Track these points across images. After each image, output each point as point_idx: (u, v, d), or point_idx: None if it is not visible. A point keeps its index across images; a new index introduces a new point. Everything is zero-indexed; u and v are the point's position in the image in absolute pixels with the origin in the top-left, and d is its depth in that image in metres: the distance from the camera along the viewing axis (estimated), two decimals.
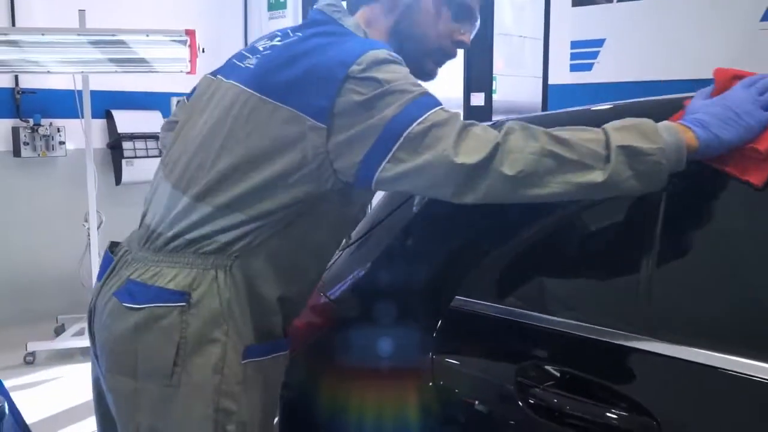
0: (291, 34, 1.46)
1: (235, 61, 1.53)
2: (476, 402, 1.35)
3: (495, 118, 5.21)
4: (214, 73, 1.59)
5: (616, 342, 1.22)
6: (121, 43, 4.54)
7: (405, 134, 1.26)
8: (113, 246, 1.57)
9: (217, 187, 1.38)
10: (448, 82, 5.40)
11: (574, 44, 4.60)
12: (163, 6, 5.66)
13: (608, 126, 1.25)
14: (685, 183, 1.25)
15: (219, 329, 1.35)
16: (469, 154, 1.23)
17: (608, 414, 1.18)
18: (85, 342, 4.72)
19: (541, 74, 4.91)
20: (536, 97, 5.01)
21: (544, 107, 4.86)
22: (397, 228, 1.62)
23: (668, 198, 1.27)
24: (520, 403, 1.26)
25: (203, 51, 4.67)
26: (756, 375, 1.07)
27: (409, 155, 1.27)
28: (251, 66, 1.45)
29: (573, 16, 4.58)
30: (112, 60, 4.66)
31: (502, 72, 5.45)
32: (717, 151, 1.23)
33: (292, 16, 6.21)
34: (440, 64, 1.59)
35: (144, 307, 1.36)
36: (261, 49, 1.48)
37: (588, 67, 4.54)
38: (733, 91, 1.29)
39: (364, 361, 1.56)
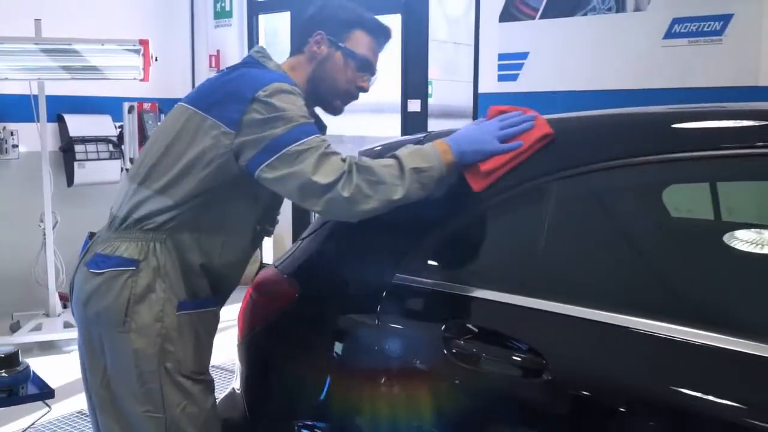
0: (226, 70, 1.99)
1: (192, 91, 2.06)
2: (414, 352, 1.73)
3: (430, 121, 5.62)
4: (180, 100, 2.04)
5: (517, 303, 1.61)
6: (76, 52, 4.77)
7: (283, 151, 1.75)
8: (92, 234, 2.03)
9: (154, 172, 1.88)
10: (386, 90, 5.77)
11: (501, 56, 5.04)
12: (113, 15, 5.87)
13: (399, 153, 1.75)
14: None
15: (158, 287, 1.83)
16: (323, 176, 1.72)
17: (512, 356, 1.57)
18: (41, 337, 4.94)
19: (467, 80, 5.35)
20: (469, 101, 5.43)
21: (474, 114, 5.27)
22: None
23: (556, 200, 1.67)
24: (445, 351, 1.65)
25: (156, 59, 4.94)
26: (616, 323, 1.48)
27: (282, 166, 1.74)
28: (195, 91, 2.01)
29: (500, 31, 5.02)
30: (65, 68, 4.88)
31: (437, 77, 5.83)
32: (468, 161, 1.73)
33: (237, 26, 6.49)
34: (345, 103, 2.07)
35: (105, 271, 1.86)
36: (205, 81, 2.02)
37: (514, 78, 4.98)
38: (487, 122, 1.79)
39: (321, 328, 1.93)
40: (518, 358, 1.57)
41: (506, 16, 4.97)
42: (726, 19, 4.18)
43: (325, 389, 1.89)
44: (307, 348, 1.96)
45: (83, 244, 2.01)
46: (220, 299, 2.00)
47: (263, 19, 6.60)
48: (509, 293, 1.64)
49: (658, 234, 1.79)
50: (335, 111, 2.07)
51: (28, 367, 1.71)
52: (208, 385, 1.95)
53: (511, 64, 5.00)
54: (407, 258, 1.81)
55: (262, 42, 6.59)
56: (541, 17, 4.83)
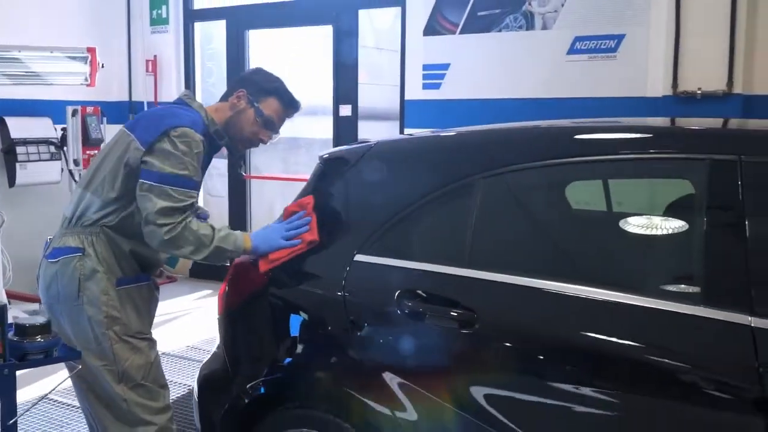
0: (161, 107, 2.65)
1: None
2: (372, 314, 2.19)
3: (360, 124, 6.06)
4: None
5: (454, 273, 2.10)
6: (18, 59, 5.00)
7: (158, 185, 2.29)
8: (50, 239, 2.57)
9: (93, 179, 2.42)
10: (320, 95, 6.19)
11: (426, 66, 5.55)
12: (51, 22, 6.06)
13: (218, 231, 2.36)
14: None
15: (100, 269, 2.37)
16: (161, 218, 2.27)
17: (450, 313, 2.06)
18: None
19: (396, 84, 5.82)
20: (395, 104, 5.89)
21: (401, 118, 5.77)
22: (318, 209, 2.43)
23: (483, 199, 2.16)
24: (398, 311, 2.12)
25: (102, 66, 5.22)
26: (530, 285, 1.98)
27: (150, 191, 2.29)
28: (134, 118, 2.64)
29: (424, 43, 5.53)
30: (7, 75, 5.09)
31: (365, 81, 6.27)
32: (261, 253, 2.37)
33: (174, 32, 6.77)
34: (246, 148, 2.70)
35: (59, 259, 2.39)
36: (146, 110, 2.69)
37: (437, 86, 5.51)
38: (278, 225, 2.41)
39: (293, 301, 2.37)
40: (455, 314, 2.06)
41: (430, 30, 5.50)
42: (619, 38, 4.82)
43: (296, 347, 2.34)
44: (282, 316, 2.40)
45: (45, 245, 2.54)
46: (148, 276, 2.53)
47: (199, 27, 6.90)
48: (448, 265, 2.13)
49: (561, 219, 2.32)
50: (236, 151, 2.69)
51: (57, 334, 2.08)
52: (151, 342, 2.49)
53: (434, 74, 5.52)
54: (366, 242, 2.27)
55: (197, 48, 6.90)
56: (461, 32, 5.37)
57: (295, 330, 2.38)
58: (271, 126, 2.59)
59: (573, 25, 4.96)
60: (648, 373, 1.83)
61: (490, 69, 5.29)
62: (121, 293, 2.42)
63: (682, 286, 1.93)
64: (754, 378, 1.69)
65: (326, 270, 2.33)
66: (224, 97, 2.61)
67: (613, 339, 1.89)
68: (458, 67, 5.43)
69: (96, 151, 5.63)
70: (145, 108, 6.77)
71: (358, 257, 2.27)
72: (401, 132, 5.68)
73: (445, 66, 5.48)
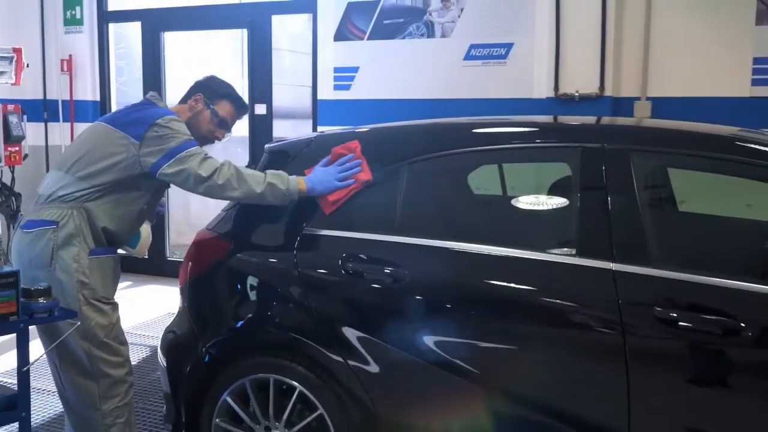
0: (133, 105, 2.93)
1: (105, 115, 3.05)
2: (320, 275, 2.68)
3: (275, 122, 6.48)
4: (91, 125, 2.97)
5: (387, 240, 2.62)
6: None
7: (177, 156, 2.68)
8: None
9: (76, 165, 2.75)
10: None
11: (336, 69, 6.05)
12: None
13: (269, 172, 2.72)
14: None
15: (75, 239, 2.70)
16: (204, 171, 2.67)
17: (384, 270, 2.58)
18: None
19: (309, 85, 6.28)
20: (307, 103, 6.34)
21: (314, 117, 6.24)
22: None
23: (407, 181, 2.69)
24: (343, 271, 2.62)
25: (27, 66, 5.42)
26: (445, 246, 2.53)
27: (177, 164, 2.68)
28: (110, 114, 2.99)
29: (335, 48, 6.03)
30: None
31: (279, 82, 6.71)
32: (318, 194, 2.71)
33: (88, 33, 6.97)
34: (203, 144, 2.94)
35: (33, 230, 2.72)
36: (118, 109, 3.00)
37: (347, 87, 6.02)
38: (330, 167, 2.74)
39: (250, 268, 2.83)
40: (388, 271, 2.58)
41: (340, 36, 6.00)
42: (509, 46, 5.48)
43: (255, 306, 2.80)
44: (242, 281, 2.85)
45: (18, 219, 2.92)
46: (115, 249, 2.91)
47: (113, 28, 7.12)
48: (382, 234, 2.65)
49: (469, 195, 2.89)
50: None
51: (56, 297, 2.46)
52: (114, 306, 2.85)
53: (344, 76, 6.03)
54: (312, 217, 2.76)
55: (112, 48, 7.12)
56: (369, 38, 5.91)
57: (253, 292, 2.84)
58: (225, 125, 3.01)
59: (469, 34, 5.59)
60: (539, 308, 2.42)
61: (395, 72, 5.85)
62: (92, 261, 2.75)
63: (563, 243, 2.53)
64: (615, 306, 2.29)
65: (279, 241, 2.81)
66: (183, 100, 3.01)
67: (512, 284, 2.46)
68: (366, 70, 5.96)
69: (17, 148, 5.84)
70: (60, 106, 6.97)
71: (306, 230, 2.76)
72: (314, 130, 6.15)
73: (355, 69, 5.99)
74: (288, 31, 6.99)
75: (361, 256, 2.65)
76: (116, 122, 2.81)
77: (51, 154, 7.02)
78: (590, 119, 3.28)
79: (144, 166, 2.72)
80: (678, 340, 2.23)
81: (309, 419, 2.68)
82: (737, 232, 3.15)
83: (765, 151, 2.43)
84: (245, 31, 6.52)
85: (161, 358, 3.06)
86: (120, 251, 2.94)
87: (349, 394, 2.62)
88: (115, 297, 2.89)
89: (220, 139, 3.05)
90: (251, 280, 2.85)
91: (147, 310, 5.82)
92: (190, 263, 2.98)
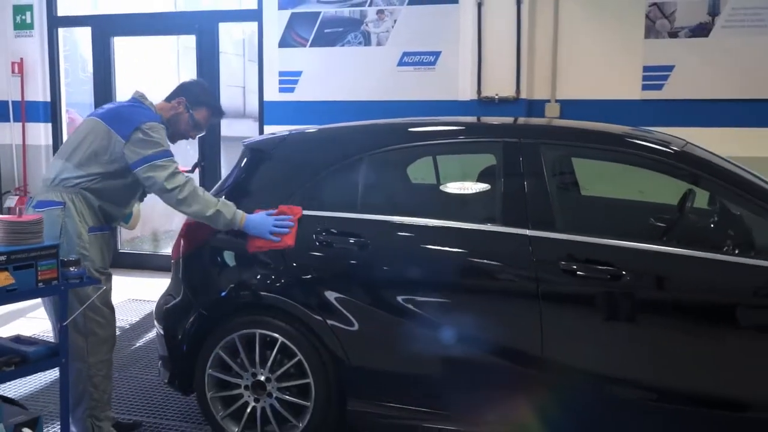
0: (123, 103, 3.46)
1: (97, 110, 3.47)
2: (297, 245, 3.30)
3: (223, 121, 7.00)
4: (87, 115, 3.47)
5: (353, 217, 3.27)
6: None
7: (151, 162, 3.20)
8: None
9: (74, 154, 3.27)
10: None
11: (281, 73, 6.64)
12: None
13: (221, 201, 3.27)
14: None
15: (77, 219, 3.20)
16: (168, 184, 3.19)
17: (350, 240, 3.23)
18: None
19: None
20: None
21: (261, 117, 6.80)
22: (238, 181, 3.49)
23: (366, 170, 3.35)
24: (317, 243, 3.25)
25: None
26: (396, 221, 3.20)
27: (149, 171, 3.19)
28: (102, 111, 3.41)
29: (279, 54, 6.61)
30: None
31: (227, 83, 7.24)
32: (249, 232, 3.28)
33: (39, 37, 7.31)
34: (179, 139, 3.53)
35: (44, 210, 3.19)
36: (109, 106, 3.46)
37: (291, 90, 6.61)
38: (269, 218, 3.29)
39: (238, 243, 3.42)
40: (353, 240, 3.23)
41: (284, 43, 6.58)
42: (437, 54, 6.19)
43: (242, 274, 3.40)
44: (229, 254, 3.44)
45: (28, 201, 3.44)
46: (110, 226, 3.44)
47: (63, 32, 7.48)
48: (347, 212, 3.30)
49: (415, 179, 3.56)
50: (172, 141, 3.50)
51: (84, 266, 2.99)
52: (108, 275, 3.38)
53: (289, 79, 6.62)
54: (288, 199, 3.38)
55: (61, 52, 7.48)
56: (311, 45, 6.52)
57: (240, 262, 3.43)
58: (199, 128, 3.57)
59: (401, 43, 6.28)
60: (474, 265, 3.12)
61: (335, 76, 6.48)
62: (91, 237, 3.26)
63: (491, 216, 3.22)
64: (531, 265, 3.01)
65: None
66: (168, 99, 3.53)
67: (452, 248, 3.15)
68: (309, 74, 6.57)
69: None
70: (10, 106, 7.30)
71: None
72: (261, 129, 6.72)
73: (298, 73, 6.59)
74: (233, 40, 7.51)
75: (332, 230, 3.29)
76: (107, 119, 3.31)
77: (1, 153, 7.36)
78: (509, 119, 4.02)
79: (128, 162, 3.25)
80: (577, 285, 2.96)
81: (289, 365, 3.30)
82: (622, 209, 3.96)
83: (648, 145, 3.21)
84: (194, 37, 6.98)
85: (157, 323, 3.61)
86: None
87: (322, 342, 3.25)
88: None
89: (193, 138, 3.62)
90: (238, 253, 3.44)
91: None
92: (182, 241, 3.55)
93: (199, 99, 3.53)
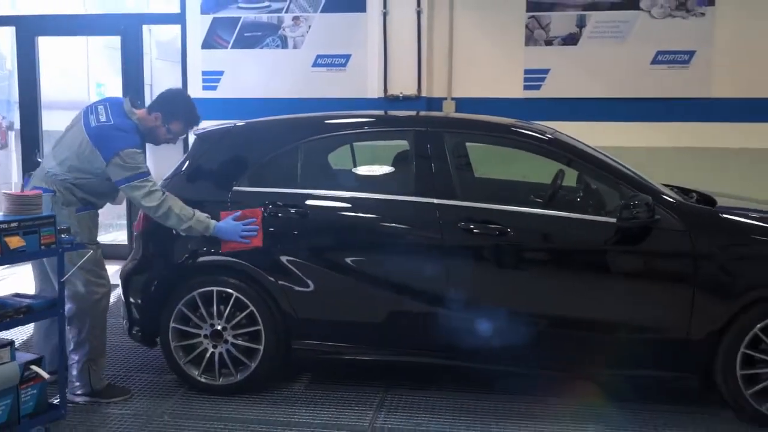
0: (109, 117, 3.87)
1: (89, 112, 3.95)
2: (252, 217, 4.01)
3: None
4: (83, 109, 3.99)
5: (295, 192, 4.01)
6: None
7: (130, 183, 3.77)
8: (29, 175, 3.99)
9: (57, 154, 3.87)
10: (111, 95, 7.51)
11: (204, 73, 7.23)
12: None
13: (197, 213, 3.87)
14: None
15: (66, 203, 3.80)
16: (146, 201, 3.80)
17: (292, 210, 3.97)
18: None
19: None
20: None
21: None
22: (192, 166, 4.17)
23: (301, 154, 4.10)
24: (265, 214, 3.97)
25: None
26: (330, 196, 3.97)
27: (129, 190, 3.79)
28: (93, 124, 3.86)
29: (202, 55, 7.21)
30: None
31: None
32: (221, 237, 3.94)
33: None
34: (157, 144, 4.12)
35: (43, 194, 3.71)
36: (100, 117, 3.89)
37: (214, 88, 7.22)
38: (238, 223, 3.93)
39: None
40: (293, 210, 3.96)
41: (207, 45, 7.18)
42: (347, 57, 6.96)
43: (199, 242, 4.06)
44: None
45: (25, 181, 3.96)
46: (95, 205, 3.97)
47: None
48: (289, 188, 4.03)
49: (344, 161, 4.34)
50: (156, 144, 4.13)
51: (74, 233, 3.58)
52: (98, 245, 3.95)
53: (212, 78, 7.22)
54: (239, 178, 4.08)
55: None
56: (232, 47, 7.15)
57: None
58: (176, 137, 4.12)
59: (315, 46, 7.01)
60: (391, 229, 3.92)
61: (255, 76, 7.13)
62: (79, 217, 3.86)
63: (407, 188, 4.03)
64: (438, 228, 3.84)
65: (216, 196, 4.09)
66: (149, 109, 3.99)
67: (375, 215, 3.94)
68: (230, 74, 7.19)
69: None
70: None
71: (235, 188, 4.07)
72: None
73: (220, 73, 7.21)
74: (157, 42, 8.01)
75: (278, 203, 4.01)
76: (93, 137, 3.80)
77: None
78: (412, 112, 4.87)
79: (110, 177, 3.82)
80: (473, 240, 3.82)
81: (242, 315, 4.00)
82: (508, 185, 4.87)
83: (528, 133, 4.11)
84: (119, 38, 7.46)
85: (122, 286, 4.22)
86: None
87: (272, 297, 3.97)
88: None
89: (174, 143, 4.21)
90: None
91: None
92: (144, 215, 4.18)
93: (174, 114, 4.00)
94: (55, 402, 3.52)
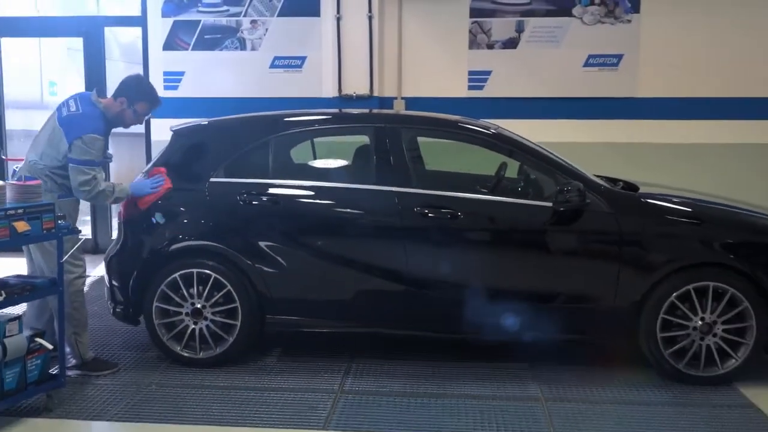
0: (78, 107, 4.32)
1: (62, 106, 4.37)
2: (226, 205, 4.41)
3: None
4: (57, 108, 4.38)
5: (264, 182, 4.45)
6: None
7: (77, 166, 4.16)
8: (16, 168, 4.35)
9: (38, 146, 4.30)
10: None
11: (165, 73, 7.56)
12: None
13: (116, 187, 4.34)
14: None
15: (49, 188, 4.17)
16: (80, 184, 4.17)
17: (265, 197, 4.40)
18: None
19: None
20: None
21: None
22: (169, 160, 4.58)
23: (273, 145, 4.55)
24: (240, 202, 4.39)
25: None
26: (305, 185, 4.43)
27: (72, 171, 4.17)
28: (64, 114, 4.31)
29: (164, 56, 7.54)
30: None
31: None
32: (135, 196, 4.46)
33: None
34: (126, 126, 4.53)
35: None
36: (71, 108, 4.32)
37: (175, 87, 7.56)
38: (147, 180, 4.51)
39: (175, 203, 4.49)
40: (266, 199, 4.40)
41: (168, 46, 7.52)
42: (303, 58, 7.40)
43: (180, 228, 4.46)
44: (171, 212, 4.49)
45: (12, 173, 4.31)
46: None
47: None
48: (261, 179, 4.47)
49: (306, 155, 4.80)
50: (125, 127, 4.53)
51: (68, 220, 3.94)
52: (75, 229, 4.24)
53: (173, 78, 7.56)
54: (215, 170, 4.49)
55: None
56: (193, 49, 7.50)
57: (179, 218, 4.49)
58: (140, 118, 4.54)
59: (273, 48, 7.42)
60: (355, 215, 4.40)
61: (215, 76, 7.50)
62: (61, 202, 4.20)
63: (366, 178, 4.50)
64: (397, 212, 4.33)
65: (194, 186, 4.50)
66: (114, 95, 4.46)
67: (339, 201, 4.41)
68: (191, 74, 7.54)
69: None
70: None
71: (212, 179, 4.49)
72: (147, 122, 7.60)
73: (181, 73, 7.55)
74: (119, 43, 8.28)
75: (252, 192, 4.44)
76: (63, 122, 4.23)
77: None
78: (368, 110, 5.35)
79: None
80: (428, 223, 4.31)
81: (220, 294, 4.41)
82: (457, 176, 5.39)
83: (474, 128, 4.63)
84: (81, 39, 7.73)
85: (107, 271, 4.58)
86: None
87: (248, 278, 4.39)
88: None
89: (141, 123, 4.61)
90: (178, 210, 4.50)
91: None
92: (126, 207, 4.55)
93: (137, 95, 4.45)
94: (55, 372, 3.88)
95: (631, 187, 4.74)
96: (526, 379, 4.32)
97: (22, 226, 3.57)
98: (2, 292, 3.56)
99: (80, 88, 8.12)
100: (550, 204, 4.31)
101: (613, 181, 4.90)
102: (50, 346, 3.74)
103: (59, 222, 3.84)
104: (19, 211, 3.58)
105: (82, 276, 4.35)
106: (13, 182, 3.76)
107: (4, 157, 7.93)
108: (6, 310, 3.72)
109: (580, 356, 4.61)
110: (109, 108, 4.41)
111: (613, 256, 4.25)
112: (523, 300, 4.35)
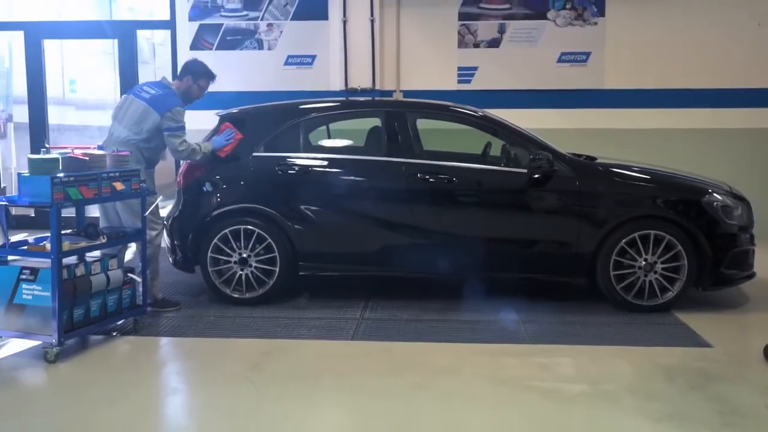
0: (157, 90, 5.42)
1: (138, 91, 5.49)
2: (266, 174, 5.50)
3: None
4: (128, 93, 5.51)
5: (299, 155, 5.54)
6: None
7: (173, 132, 5.26)
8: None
9: (123, 119, 5.32)
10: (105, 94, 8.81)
11: None
12: None
13: (202, 145, 5.48)
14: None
15: (138, 161, 5.21)
16: (180, 146, 5.29)
17: (297, 167, 5.50)
18: None
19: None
20: None
21: None
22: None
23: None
24: (279, 171, 5.48)
25: None
26: (320, 157, 5.53)
27: (170, 138, 5.27)
28: (147, 96, 5.40)
29: (190, 55, 8.56)
30: None
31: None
32: (216, 150, 5.54)
33: None
34: (192, 102, 5.61)
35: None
36: (151, 91, 5.43)
37: None
38: (221, 136, 5.61)
39: (225, 174, 5.57)
40: (298, 169, 5.49)
41: (194, 46, 8.58)
42: (314, 56, 8.48)
43: (229, 195, 5.55)
44: (220, 181, 5.57)
45: (99, 148, 5.28)
46: (152, 166, 5.42)
47: None
48: (296, 153, 5.57)
49: (324, 137, 5.91)
50: (190, 103, 5.59)
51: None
52: (156, 195, 5.32)
53: None
54: (257, 146, 5.58)
55: None
56: (216, 49, 8.57)
57: (229, 185, 5.57)
58: (202, 92, 5.61)
59: (287, 48, 8.50)
60: (372, 181, 5.49)
61: (236, 73, 8.55)
62: (147, 173, 5.22)
63: (379, 152, 5.61)
64: (404, 176, 5.43)
65: (240, 159, 5.58)
66: (178, 78, 5.56)
67: (360, 170, 5.51)
68: (215, 71, 8.55)
69: None
70: None
71: (255, 153, 5.57)
72: None
73: None
74: (149, 43, 9.34)
75: (288, 163, 5.53)
76: (148, 101, 5.23)
77: None
78: (373, 99, 6.48)
79: (161, 127, 5.26)
80: (429, 186, 5.42)
81: (262, 246, 5.49)
82: (453, 153, 6.49)
83: (465, 111, 5.76)
84: (116, 41, 8.77)
85: (168, 229, 5.66)
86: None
87: (282, 230, 5.48)
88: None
89: (202, 97, 5.65)
90: (228, 180, 5.59)
91: None
92: (184, 176, 5.63)
93: (199, 73, 5.54)
94: (139, 303, 4.96)
95: (591, 159, 5.87)
96: (509, 309, 5.43)
97: (119, 185, 4.64)
98: (104, 236, 4.63)
99: (99, 85, 9.25)
100: (525, 170, 5.43)
101: (578, 155, 6.02)
102: (139, 279, 4.81)
103: (142, 185, 4.91)
104: (116, 174, 4.65)
105: (161, 232, 5.42)
106: (111, 152, 4.82)
107: (48, 145, 8.95)
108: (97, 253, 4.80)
109: (553, 292, 5.74)
110: (179, 87, 5.46)
111: (575, 211, 5.38)
112: (506, 247, 5.47)
